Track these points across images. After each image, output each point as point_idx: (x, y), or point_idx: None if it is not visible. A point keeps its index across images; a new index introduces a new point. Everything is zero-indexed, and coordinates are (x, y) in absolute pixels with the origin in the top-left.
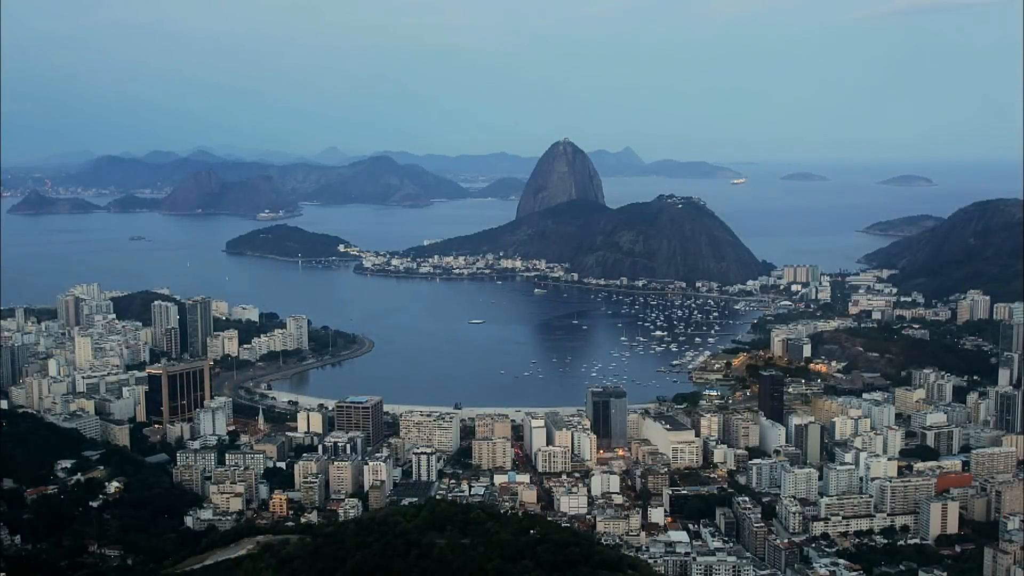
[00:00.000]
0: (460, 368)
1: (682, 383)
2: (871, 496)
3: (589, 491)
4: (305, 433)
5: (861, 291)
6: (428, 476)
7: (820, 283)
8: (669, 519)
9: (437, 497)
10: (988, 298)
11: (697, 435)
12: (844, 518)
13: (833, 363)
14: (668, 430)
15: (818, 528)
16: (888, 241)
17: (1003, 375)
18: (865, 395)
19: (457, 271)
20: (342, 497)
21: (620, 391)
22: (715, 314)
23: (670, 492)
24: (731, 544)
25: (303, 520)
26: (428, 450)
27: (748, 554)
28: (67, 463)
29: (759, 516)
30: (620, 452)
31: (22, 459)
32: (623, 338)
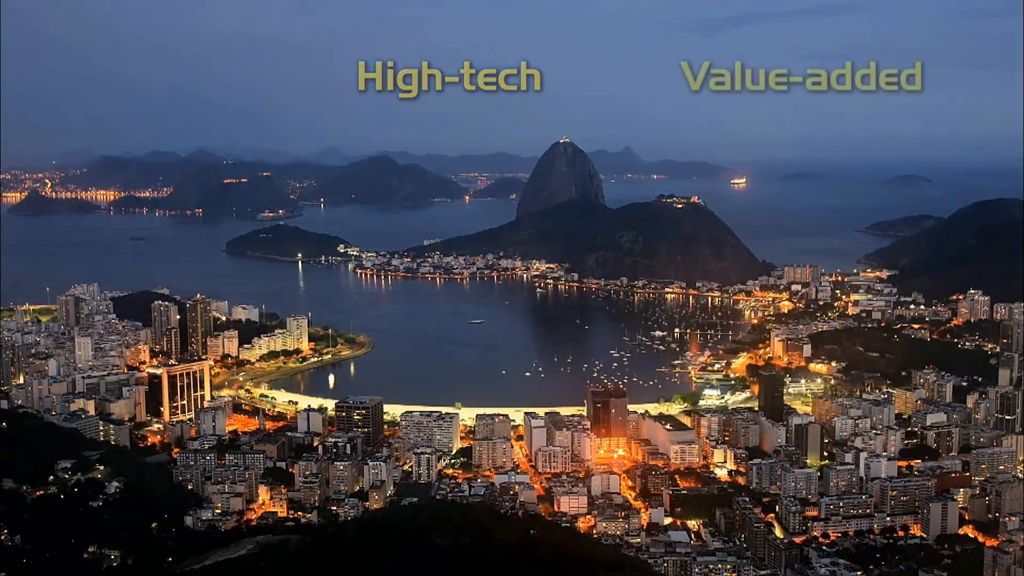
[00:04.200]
0: (460, 368)
1: (682, 383)
2: (871, 496)
3: (589, 491)
4: (305, 433)
5: (861, 291)
6: (428, 476)
7: (820, 283)
8: (669, 519)
9: (437, 497)
10: (988, 298)
11: (697, 435)
12: (844, 518)
13: (833, 363)
14: (668, 430)
15: (818, 528)
16: (888, 241)
17: (1003, 375)
18: (865, 395)
19: (457, 271)
20: (342, 497)
21: (620, 391)
22: (717, 314)
23: (670, 492)
24: (731, 544)
25: (303, 520)
26: (428, 450)
27: (748, 554)
28: (67, 463)
29: (759, 516)
30: (621, 452)
31: (22, 459)
32: (624, 338)
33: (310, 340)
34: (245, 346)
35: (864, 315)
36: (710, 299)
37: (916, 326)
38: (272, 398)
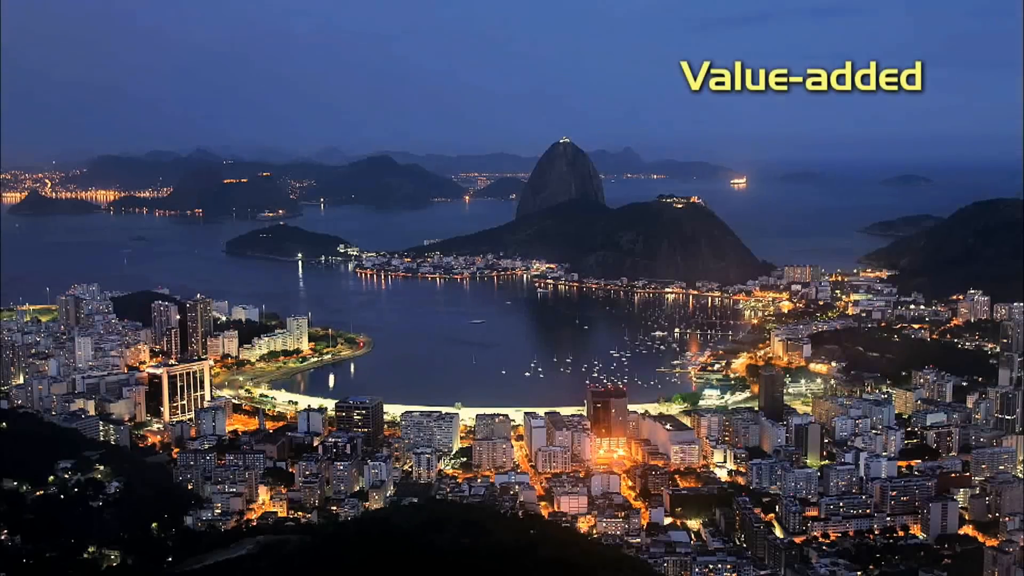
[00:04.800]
0: (460, 368)
1: (682, 383)
2: (871, 496)
3: (589, 491)
4: (305, 433)
5: (861, 291)
6: (428, 476)
7: (820, 283)
8: (669, 519)
9: (437, 497)
10: (988, 298)
11: (697, 435)
12: (844, 518)
13: (833, 363)
14: (668, 430)
15: (818, 528)
16: (888, 241)
17: (1003, 375)
18: (865, 395)
19: (457, 271)
20: (342, 497)
21: (620, 391)
22: (717, 314)
23: (670, 492)
24: (731, 544)
25: (303, 520)
26: (428, 450)
27: (748, 554)
28: (67, 463)
29: (759, 516)
30: (621, 452)
31: (22, 459)
32: (625, 338)
33: (310, 340)
34: (245, 346)
35: (864, 315)
36: (710, 299)
37: (916, 326)
38: (272, 398)
